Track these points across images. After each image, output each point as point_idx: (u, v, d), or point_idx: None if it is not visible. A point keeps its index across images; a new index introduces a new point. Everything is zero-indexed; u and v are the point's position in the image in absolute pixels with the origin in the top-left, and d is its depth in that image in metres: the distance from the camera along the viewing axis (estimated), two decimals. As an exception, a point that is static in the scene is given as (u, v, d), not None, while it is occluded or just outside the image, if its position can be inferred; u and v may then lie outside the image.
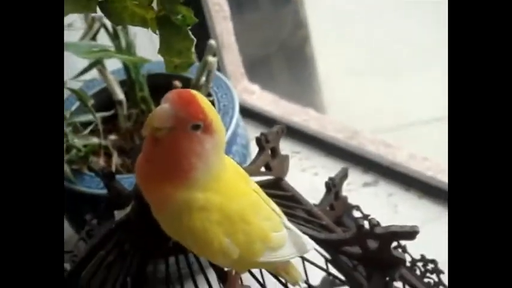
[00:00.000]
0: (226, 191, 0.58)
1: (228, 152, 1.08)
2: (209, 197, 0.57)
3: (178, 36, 0.60)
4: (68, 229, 1.16)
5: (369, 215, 0.77)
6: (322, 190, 0.80)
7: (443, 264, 0.75)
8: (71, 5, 0.60)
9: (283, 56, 2.18)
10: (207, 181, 0.57)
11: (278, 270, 0.65)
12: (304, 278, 0.68)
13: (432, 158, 1.26)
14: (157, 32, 0.62)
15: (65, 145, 1.04)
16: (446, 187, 1.18)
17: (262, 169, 0.75)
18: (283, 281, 0.67)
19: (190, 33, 0.60)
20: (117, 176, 0.87)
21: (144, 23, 0.59)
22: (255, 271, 0.68)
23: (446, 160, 1.24)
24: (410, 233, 0.63)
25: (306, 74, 2.10)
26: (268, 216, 0.61)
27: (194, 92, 0.56)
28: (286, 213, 0.65)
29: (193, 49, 0.61)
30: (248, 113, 1.37)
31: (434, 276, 0.75)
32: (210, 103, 0.57)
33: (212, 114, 0.56)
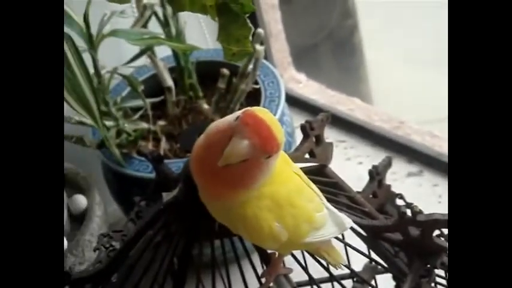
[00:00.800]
0: (275, 179, 0.59)
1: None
2: (261, 187, 0.58)
3: (237, 23, 0.61)
4: (117, 210, 1.18)
5: (411, 203, 0.77)
6: (366, 179, 0.80)
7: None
8: None
9: (331, 45, 2.17)
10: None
11: (320, 251, 0.65)
12: (345, 259, 0.68)
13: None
14: (216, 19, 0.63)
15: (115, 129, 1.05)
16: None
17: (307, 156, 0.76)
18: (324, 263, 0.68)
19: (248, 21, 0.60)
20: (165, 161, 0.88)
21: (203, 10, 0.60)
22: (297, 253, 0.68)
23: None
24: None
25: (353, 63, 2.09)
26: (311, 198, 0.62)
27: (270, 120, 0.55)
28: (329, 200, 0.65)
29: (250, 37, 0.61)
30: (294, 101, 1.37)
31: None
32: (279, 125, 0.57)
33: (281, 137, 0.56)
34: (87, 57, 0.98)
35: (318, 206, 0.62)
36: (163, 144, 1.09)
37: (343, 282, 0.69)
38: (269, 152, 0.55)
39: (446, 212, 0.63)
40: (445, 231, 0.73)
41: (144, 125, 1.09)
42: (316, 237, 0.61)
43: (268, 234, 0.58)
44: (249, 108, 0.56)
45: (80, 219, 1.08)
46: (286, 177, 0.61)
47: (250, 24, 0.61)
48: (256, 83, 1.10)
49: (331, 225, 0.62)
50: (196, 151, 0.58)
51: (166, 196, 0.67)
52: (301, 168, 0.65)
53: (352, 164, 1.28)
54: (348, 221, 0.63)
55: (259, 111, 0.55)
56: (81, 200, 1.09)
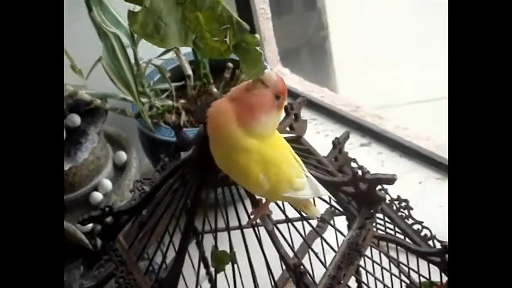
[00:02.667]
0: (268, 142, 0.58)
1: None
2: (253, 142, 0.57)
3: (250, 54, 0.60)
4: (148, 163, 1.18)
5: (362, 166, 0.77)
6: (331, 147, 0.81)
7: (413, 203, 0.75)
8: (174, 39, 0.61)
9: (308, 48, 2.17)
10: (258, 136, 0.57)
11: (300, 206, 0.65)
12: (319, 213, 0.67)
13: (411, 128, 1.26)
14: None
15: (148, 104, 1.05)
16: (419, 149, 1.19)
17: (287, 129, 0.76)
18: (303, 214, 0.67)
19: (258, 49, 0.61)
20: (184, 129, 0.88)
21: (220, 55, 0.60)
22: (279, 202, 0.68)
23: (422, 129, 1.25)
24: (390, 179, 0.63)
25: (324, 63, 2.09)
26: (294, 165, 0.61)
27: None
28: (303, 161, 0.65)
29: (263, 58, 0.61)
30: (280, 89, 1.37)
31: (405, 211, 0.75)
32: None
33: (285, 99, 0.58)
34: (130, 52, 0.98)
35: (299, 173, 0.61)
36: (183, 117, 1.09)
37: (311, 222, 0.69)
38: (281, 90, 0.57)
39: (388, 173, 0.63)
40: (385, 186, 0.74)
41: (169, 102, 1.09)
42: (295, 195, 0.61)
43: (253, 181, 0.58)
44: None
45: (122, 169, 1.08)
46: (276, 145, 0.60)
47: (260, 50, 0.61)
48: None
49: (308, 189, 0.62)
50: (218, 103, 0.58)
51: (183, 155, 0.68)
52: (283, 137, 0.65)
53: (320, 136, 1.29)
54: (322, 190, 0.63)
55: None
56: (122, 155, 1.09)
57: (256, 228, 0.66)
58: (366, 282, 0.72)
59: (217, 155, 0.59)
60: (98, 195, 1.03)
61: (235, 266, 0.67)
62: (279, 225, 0.65)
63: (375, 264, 0.72)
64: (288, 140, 0.69)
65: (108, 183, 1.04)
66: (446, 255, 0.67)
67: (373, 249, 0.74)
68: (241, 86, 0.58)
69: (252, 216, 0.63)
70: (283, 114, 0.65)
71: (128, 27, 0.97)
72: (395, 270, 0.76)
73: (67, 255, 1.02)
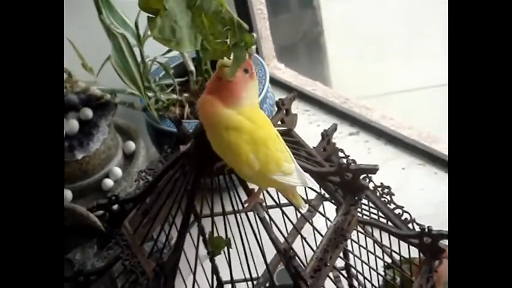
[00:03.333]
0: (257, 123, 0.57)
1: (260, 108, 1.08)
2: (243, 121, 0.56)
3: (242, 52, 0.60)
4: (155, 152, 1.17)
5: (348, 156, 0.76)
6: (322, 136, 0.80)
7: (397, 186, 0.75)
8: (188, 42, 0.60)
9: (303, 45, 2.15)
10: (245, 109, 0.56)
11: (287, 194, 0.64)
12: (304, 204, 0.65)
13: (396, 118, 1.25)
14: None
15: (154, 98, 1.04)
16: (402, 137, 1.18)
17: (279, 123, 0.74)
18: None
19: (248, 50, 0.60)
20: (187, 120, 0.86)
21: (220, 55, 0.59)
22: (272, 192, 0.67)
23: (406, 119, 1.24)
24: (372, 169, 0.62)
25: (318, 58, 2.07)
26: (283, 150, 0.60)
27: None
28: (293, 153, 0.63)
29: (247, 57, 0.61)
30: (276, 82, 1.36)
31: (388, 197, 0.73)
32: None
33: (253, 68, 0.58)
34: (136, 51, 0.97)
35: (288, 158, 0.60)
36: (187, 109, 1.08)
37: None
38: (246, 64, 0.57)
39: (373, 161, 0.62)
40: (370, 175, 0.72)
41: (174, 96, 1.07)
42: (284, 180, 0.59)
43: (245, 160, 0.56)
44: None
45: (131, 157, 1.07)
46: (267, 129, 0.59)
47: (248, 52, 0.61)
48: (250, 69, 1.09)
49: (296, 178, 0.60)
50: (201, 97, 0.57)
51: (183, 147, 0.66)
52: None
53: (313, 126, 1.27)
54: (310, 180, 0.62)
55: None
56: (131, 145, 1.08)
57: (253, 214, 0.65)
58: (352, 264, 0.71)
59: (212, 140, 0.58)
60: (109, 182, 1.02)
61: (235, 245, 0.66)
62: (273, 211, 0.64)
63: (361, 247, 0.71)
64: (280, 132, 0.68)
65: (118, 171, 1.03)
66: (425, 238, 0.66)
67: (359, 233, 0.73)
68: (212, 78, 0.58)
69: (246, 205, 0.62)
70: (275, 109, 0.63)
71: (135, 28, 0.96)
72: (379, 252, 0.75)
73: (82, 235, 1.01)
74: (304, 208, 0.66)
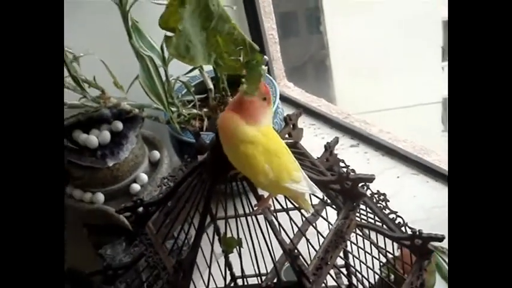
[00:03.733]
0: (269, 138, 0.58)
1: (272, 122, 1.08)
2: (258, 135, 0.56)
3: (255, 71, 0.60)
4: (177, 160, 1.17)
5: (349, 166, 0.75)
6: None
7: (392, 193, 0.74)
8: (200, 58, 0.61)
9: (311, 66, 2.17)
10: (261, 127, 0.57)
11: (297, 200, 0.64)
12: (311, 208, 0.66)
13: (393, 132, 1.24)
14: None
15: (177, 113, 1.04)
16: (398, 149, 1.17)
17: (287, 136, 0.75)
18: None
19: (261, 68, 0.60)
20: (206, 132, 0.86)
21: (234, 71, 0.60)
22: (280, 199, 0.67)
23: (402, 132, 1.24)
24: (369, 179, 0.62)
25: (324, 78, 2.08)
26: (292, 161, 0.60)
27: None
28: (299, 163, 0.63)
29: (262, 78, 0.61)
30: (285, 99, 1.35)
31: (383, 203, 0.73)
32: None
33: (271, 97, 0.59)
34: (161, 71, 0.98)
35: (296, 168, 0.60)
36: (206, 123, 1.08)
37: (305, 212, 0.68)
38: (265, 93, 0.57)
39: (372, 171, 0.62)
40: (367, 183, 0.72)
41: (194, 111, 1.07)
42: (293, 187, 0.60)
43: (260, 170, 0.57)
44: None
45: (156, 165, 1.07)
46: (277, 142, 0.59)
47: (262, 70, 0.61)
48: (262, 88, 1.09)
49: (305, 185, 0.60)
50: (224, 113, 0.58)
51: (200, 157, 0.66)
52: (282, 143, 0.63)
53: (318, 139, 1.26)
54: (316, 189, 0.62)
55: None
56: (156, 154, 1.08)
57: (263, 217, 0.64)
58: (351, 263, 0.71)
59: (230, 153, 0.58)
60: (136, 187, 1.02)
61: (246, 244, 0.66)
62: (280, 215, 0.64)
63: (359, 248, 0.71)
64: (287, 145, 0.68)
65: (144, 177, 1.03)
66: (416, 240, 0.66)
67: (357, 235, 0.72)
68: (235, 99, 0.59)
69: (255, 208, 0.62)
70: (283, 123, 0.63)
71: (160, 51, 0.97)
72: (375, 252, 0.74)
73: (112, 233, 1.01)
74: (310, 212, 0.66)
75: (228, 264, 0.82)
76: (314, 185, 0.62)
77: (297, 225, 0.66)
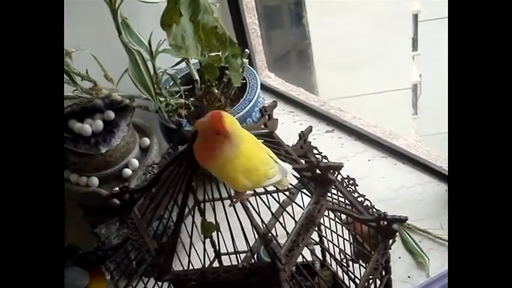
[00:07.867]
0: (247, 156, 0.56)
1: (252, 111, 1.05)
2: (236, 161, 0.55)
3: (234, 63, 0.59)
4: (166, 146, 1.14)
5: (321, 152, 0.74)
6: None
7: (363, 175, 0.72)
8: (193, 50, 0.59)
9: (292, 56, 2.13)
10: (230, 156, 0.54)
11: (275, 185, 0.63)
12: (288, 184, 0.65)
13: (364, 118, 1.22)
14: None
15: (165, 102, 1.02)
16: (369, 134, 1.15)
17: (262, 126, 0.72)
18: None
19: (237, 61, 0.59)
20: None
21: (213, 66, 0.58)
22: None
23: (374, 119, 1.22)
24: (338, 167, 0.62)
25: (304, 68, 2.05)
26: (269, 163, 0.58)
27: (223, 113, 0.53)
28: (274, 152, 0.62)
29: (240, 69, 0.59)
30: (266, 89, 1.32)
31: (353, 187, 0.72)
32: (236, 121, 0.54)
33: (233, 127, 0.53)
34: (149, 64, 0.95)
35: (271, 165, 0.59)
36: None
37: (281, 194, 0.68)
38: (216, 128, 0.52)
39: (345, 155, 0.60)
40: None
41: (181, 101, 1.05)
42: (270, 182, 0.59)
43: (240, 185, 0.56)
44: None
45: (146, 151, 1.04)
46: (254, 154, 0.57)
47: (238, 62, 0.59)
48: (244, 78, 1.06)
49: (278, 173, 0.59)
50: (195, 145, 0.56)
51: (181, 148, 0.64)
52: (258, 133, 0.62)
53: (296, 125, 1.23)
54: (288, 167, 0.61)
55: (222, 112, 0.53)
56: (146, 141, 1.05)
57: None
58: (325, 244, 0.69)
59: (212, 170, 0.57)
60: (128, 171, 1.00)
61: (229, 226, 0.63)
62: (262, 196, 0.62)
63: (331, 230, 0.70)
64: (263, 134, 0.66)
65: (135, 162, 1.01)
66: (381, 221, 0.65)
67: (330, 218, 0.71)
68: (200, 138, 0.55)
69: (234, 200, 0.60)
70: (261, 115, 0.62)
71: (148, 46, 0.94)
72: (346, 233, 0.73)
73: (106, 214, 0.99)
74: (287, 187, 0.65)
75: (212, 243, 0.81)
76: (286, 164, 0.61)
77: (270, 210, 0.65)
